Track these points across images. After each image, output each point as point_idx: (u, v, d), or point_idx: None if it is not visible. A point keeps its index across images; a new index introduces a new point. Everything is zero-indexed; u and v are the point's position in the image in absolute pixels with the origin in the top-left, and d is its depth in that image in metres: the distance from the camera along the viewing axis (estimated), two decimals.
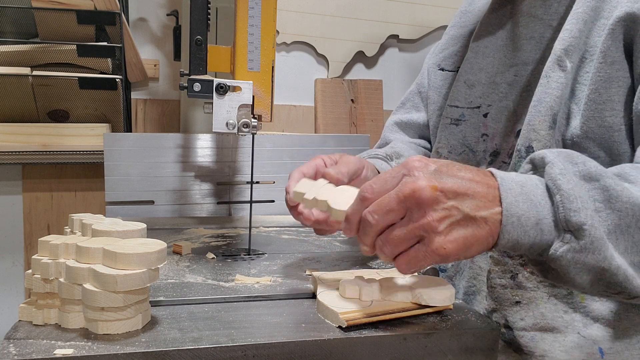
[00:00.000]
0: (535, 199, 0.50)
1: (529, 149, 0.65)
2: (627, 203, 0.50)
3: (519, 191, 0.50)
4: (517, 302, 0.66)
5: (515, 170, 0.64)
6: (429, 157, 0.67)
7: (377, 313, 0.54)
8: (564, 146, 0.64)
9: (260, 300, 0.61)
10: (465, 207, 0.49)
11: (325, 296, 0.57)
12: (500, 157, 0.73)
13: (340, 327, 0.52)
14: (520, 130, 0.68)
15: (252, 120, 0.77)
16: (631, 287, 0.50)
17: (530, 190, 0.51)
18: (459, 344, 0.54)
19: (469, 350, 0.54)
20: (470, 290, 0.72)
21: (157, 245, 0.51)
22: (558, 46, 0.65)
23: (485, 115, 0.76)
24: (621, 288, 0.50)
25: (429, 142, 0.94)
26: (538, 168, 0.54)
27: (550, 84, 0.64)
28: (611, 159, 0.63)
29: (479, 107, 0.77)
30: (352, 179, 0.73)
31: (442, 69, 0.86)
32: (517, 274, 0.65)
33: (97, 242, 0.51)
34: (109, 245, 0.50)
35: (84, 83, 1.28)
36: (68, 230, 0.66)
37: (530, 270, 0.65)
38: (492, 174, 0.52)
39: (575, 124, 0.64)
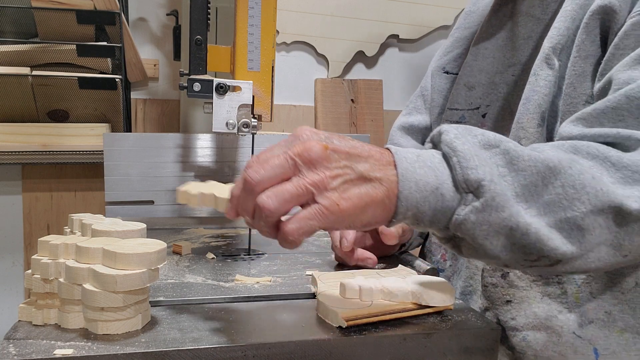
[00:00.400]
0: (432, 165, 0.48)
1: None
2: (529, 161, 0.48)
3: (414, 159, 0.48)
4: (508, 301, 0.66)
5: None
6: None
7: (377, 313, 0.54)
8: None
9: (260, 300, 0.61)
10: (359, 167, 0.47)
11: (326, 296, 0.57)
12: None
13: (340, 327, 0.52)
14: None
15: (252, 120, 0.76)
16: (548, 249, 0.47)
17: (426, 157, 0.49)
18: (459, 344, 0.54)
19: (469, 350, 0.54)
20: (467, 290, 0.73)
21: (157, 245, 0.51)
22: (547, 44, 0.65)
23: (483, 116, 0.76)
24: (538, 251, 0.48)
25: None
26: (437, 143, 0.51)
27: (539, 82, 0.64)
28: None
29: (478, 107, 0.77)
30: None
31: (447, 72, 0.86)
32: (508, 272, 0.65)
33: (96, 242, 0.51)
34: (109, 246, 0.50)
35: (84, 83, 1.28)
36: (68, 230, 0.66)
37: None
38: (387, 148, 0.50)
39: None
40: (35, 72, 1.25)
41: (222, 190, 0.54)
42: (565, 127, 0.56)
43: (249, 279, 0.67)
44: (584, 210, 0.47)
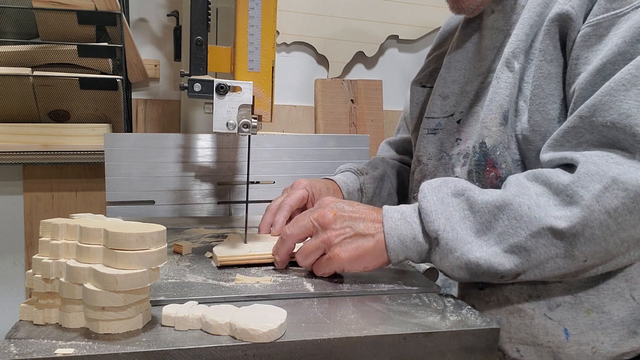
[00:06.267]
0: (410, 220, 0.65)
1: (482, 145, 0.72)
2: (482, 204, 0.62)
3: (398, 217, 0.66)
4: (482, 289, 0.71)
5: (471, 163, 0.74)
6: (410, 166, 0.90)
7: (249, 259, 0.72)
8: (517, 141, 0.71)
9: (261, 300, 0.61)
10: (357, 226, 0.66)
11: (218, 249, 0.75)
12: (470, 158, 0.77)
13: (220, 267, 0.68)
14: None
15: (253, 120, 0.77)
16: (503, 271, 0.61)
17: (408, 214, 0.66)
18: (459, 343, 0.54)
19: (469, 349, 0.54)
20: (447, 283, 0.76)
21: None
22: (507, 50, 0.71)
23: (458, 122, 0.81)
24: (495, 274, 0.61)
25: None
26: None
27: (500, 84, 0.70)
28: None
29: (452, 115, 0.82)
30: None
31: (423, 86, 0.93)
32: None
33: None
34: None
35: (85, 83, 1.28)
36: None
37: None
38: (382, 209, 0.67)
39: (524, 119, 0.69)
40: (36, 73, 1.25)
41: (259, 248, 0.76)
42: (541, 153, 0.66)
43: (250, 278, 0.67)
44: (525, 235, 0.59)
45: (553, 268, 0.60)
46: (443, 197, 0.64)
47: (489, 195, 0.63)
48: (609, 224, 0.57)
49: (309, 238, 0.69)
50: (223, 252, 0.74)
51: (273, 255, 0.72)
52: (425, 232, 0.64)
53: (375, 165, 1.01)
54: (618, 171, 0.57)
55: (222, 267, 0.72)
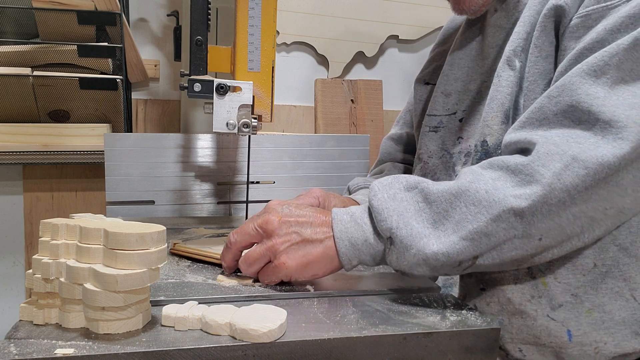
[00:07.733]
0: (361, 221, 0.63)
1: (484, 143, 0.71)
2: (437, 193, 0.60)
3: (348, 219, 0.63)
4: (482, 289, 0.70)
5: (473, 162, 0.72)
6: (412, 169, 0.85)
7: (199, 254, 0.74)
8: None
9: (261, 300, 0.61)
10: (304, 232, 0.63)
11: (188, 242, 0.78)
12: (472, 157, 0.77)
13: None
14: None
15: (253, 120, 0.77)
16: (462, 258, 0.58)
17: (358, 216, 0.63)
18: (459, 343, 0.54)
19: (469, 349, 0.54)
20: (448, 283, 0.76)
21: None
22: (508, 48, 0.70)
23: (460, 120, 0.81)
24: (454, 263, 0.59)
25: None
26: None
27: (501, 83, 0.70)
28: None
29: (454, 113, 0.82)
30: None
31: (427, 83, 0.92)
32: None
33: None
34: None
35: (85, 83, 1.28)
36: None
37: None
38: (331, 212, 0.65)
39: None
40: (36, 73, 1.25)
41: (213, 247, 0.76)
42: (505, 136, 0.65)
43: (250, 279, 0.67)
44: (485, 220, 0.57)
45: (510, 248, 0.59)
46: (395, 193, 0.62)
47: (444, 184, 0.61)
48: (565, 200, 0.56)
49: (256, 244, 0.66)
50: (188, 244, 0.78)
51: (221, 260, 0.69)
52: (377, 233, 0.62)
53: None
54: (578, 150, 0.56)
55: (173, 254, 0.77)
